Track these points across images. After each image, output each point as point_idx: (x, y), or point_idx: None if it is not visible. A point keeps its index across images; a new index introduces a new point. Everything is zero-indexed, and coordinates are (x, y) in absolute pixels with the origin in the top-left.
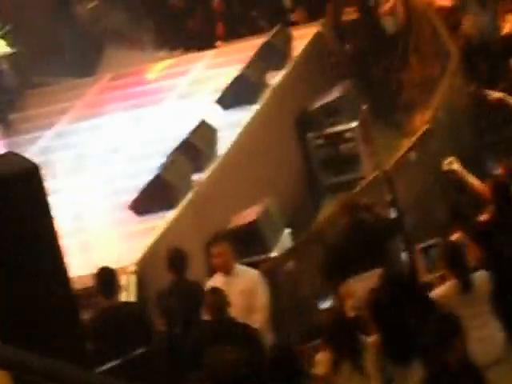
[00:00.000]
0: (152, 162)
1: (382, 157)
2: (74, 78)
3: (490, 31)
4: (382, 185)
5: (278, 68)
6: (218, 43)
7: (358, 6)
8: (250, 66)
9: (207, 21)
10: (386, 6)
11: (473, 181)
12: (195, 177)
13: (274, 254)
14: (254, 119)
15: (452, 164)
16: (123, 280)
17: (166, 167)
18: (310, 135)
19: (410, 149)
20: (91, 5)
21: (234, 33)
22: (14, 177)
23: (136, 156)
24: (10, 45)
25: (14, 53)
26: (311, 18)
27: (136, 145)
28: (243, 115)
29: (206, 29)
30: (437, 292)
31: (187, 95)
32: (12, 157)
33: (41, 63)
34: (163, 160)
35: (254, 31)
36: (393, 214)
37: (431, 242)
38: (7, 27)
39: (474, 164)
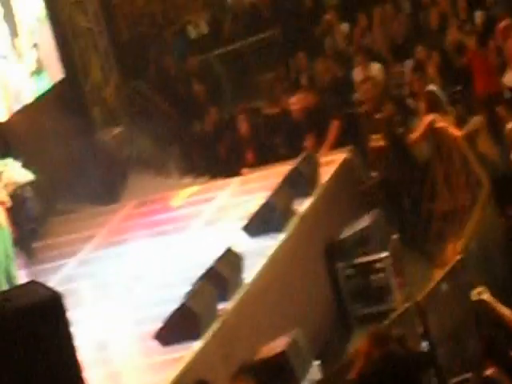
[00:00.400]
0: (177, 291)
1: (413, 288)
2: (97, 205)
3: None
4: (413, 316)
5: (305, 195)
6: (244, 170)
7: (386, 133)
8: (277, 193)
9: (235, 147)
10: (415, 134)
11: (505, 312)
12: (221, 306)
13: None
14: (281, 247)
15: (482, 294)
16: None
17: (191, 296)
18: (340, 265)
19: (442, 280)
20: (115, 131)
21: (263, 159)
22: (36, 306)
23: (161, 284)
24: (35, 171)
25: (38, 180)
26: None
27: (161, 273)
28: (270, 243)
29: (233, 155)
30: None
31: (213, 222)
32: (35, 286)
33: (64, 190)
34: (188, 288)
35: (282, 158)
36: (425, 347)
37: (465, 376)
38: (27, 155)
39: (507, 296)
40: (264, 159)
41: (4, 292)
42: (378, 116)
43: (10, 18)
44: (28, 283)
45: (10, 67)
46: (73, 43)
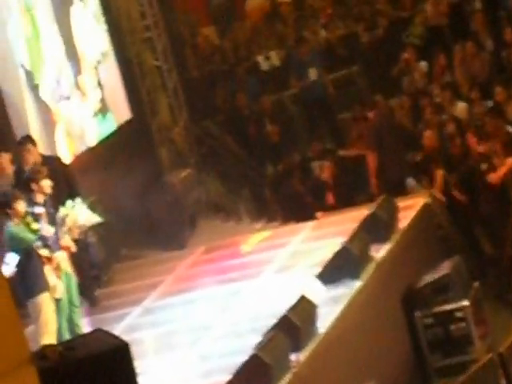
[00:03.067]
0: (247, 341)
1: (495, 338)
2: (164, 251)
3: None
4: (495, 368)
5: (382, 241)
6: (319, 214)
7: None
8: (353, 238)
9: (311, 190)
10: (498, 175)
11: None
12: (294, 357)
13: None
14: (356, 295)
15: None
16: None
17: (262, 346)
18: (418, 314)
19: None
20: (183, 174)
21: (343, 203)
22: (102, 356)
23: (230, 333)
24: (99, 214)
25: (102, 224)
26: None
27: (230, 321)
28: (345, 291)
29: (309, 198)
30: None
31: (285, 269)
32: (100, 334)
33: (129, 235)
34: (260, 338)
35: (364, 201)
36: None
37: None
38: (92, 198)
39: None
40: (343, 203)
41: (69, 341)
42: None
43: (73, 55)
44: (93, 331)
45: (74, 108)
46: (140, 81)
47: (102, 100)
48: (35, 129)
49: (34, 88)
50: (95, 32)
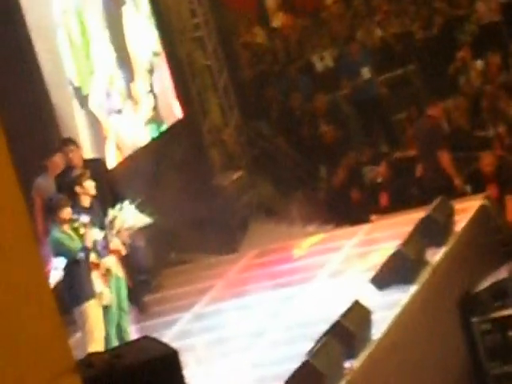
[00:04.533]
0: (300, 347)
1: None
2: (215, 255)
3: None
4: None
5: (438, 244)
6: (373, 217)
7: None
8: (409, 242)
9: (368, 191)
10: None
11: None
12: (347, 364)
13: None
14: (411, 301)
15: None
16: None
17: (315, 353)
18: (475, 320)
19: None
20: (235, 176)
21: (398, 205)
22: (149, 364)
23: (282, 340)
24: (148, 216)
25: (151, 227)
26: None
27: (283, 327)
28: (400, 296)
29: (365, 201)
30: None
31: (339, 273)
32: (148, 342)
33: (179, 239)
34: (312, 344)
35: (420, 204)
36: None
37: None
38: (140, 200)
39: None
40: (399, 205)
41: (115, 348)
42: None
43: (125, 61)
44: (141, 339)
45: (125, 121)
46: (191, 82)
47: (155, 108)
48: (86, 141)
49: (83, 99)
50: (147, 32)
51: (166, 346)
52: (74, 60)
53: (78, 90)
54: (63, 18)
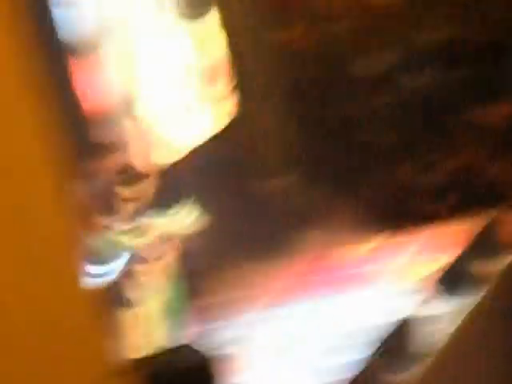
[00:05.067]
0: (346, 358)
1: None
2: (264, 261)
3: None
4: None
5: (498, 254)
6: (434, 222)
7: None
8: (468, 252)
9: (427, 197)
10: None
11: None
12: (396, 377)
13: None
14: (470, 313)
15: None
16: None
17: (362, 365)
18: None
19: None
20: (285, 181)
21: (458, 210)
22: (180, 373)
23: (328, 349)
24: (198, 221)
25: (201, 233)
26: None
27: (332, 336)
28: (454, 308)
29: (424, 206)
30: None
31: (392, 282)
32: (184, 350)
33: (231, 244)
34: (359, 356)
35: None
36: None
37: None
38: (191, 204)
39: None
40: (461, 210)
41: (149, 356)
42: None
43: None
44: (178, 347)
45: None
46: (246, 81)
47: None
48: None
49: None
50: None
51: (203, 354)
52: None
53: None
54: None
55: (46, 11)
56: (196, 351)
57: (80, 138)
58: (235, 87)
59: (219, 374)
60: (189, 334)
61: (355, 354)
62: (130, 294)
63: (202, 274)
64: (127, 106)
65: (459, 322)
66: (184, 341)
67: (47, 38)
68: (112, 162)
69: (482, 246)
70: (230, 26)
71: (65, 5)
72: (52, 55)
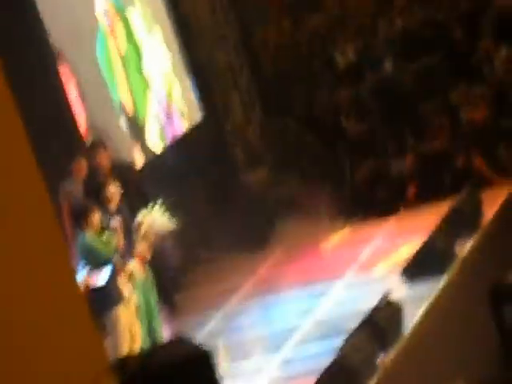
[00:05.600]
0: (331, 343)
1: None
2: (243, 253)
3: None
4: None
5: (467, 234)
6: (401, 209)
7: None
8: (437, 233)
9: (395, 185)
10: None
11: None
12: (379, 358)
13: None
14: (441, 292)
15: None
16: None
17: (347, 348)
18: (507, 309)
19: None
20: (260, 173)
21: (426, 196)
22: (183, 363)
23: (313, 336)
24: (175, 218)
25: (179, 227)
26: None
27: (313, 323)
28: (430, 288)
29: (392, 193)
30: None
31: (367, 267)
32: (180, 341)
33: (207, 238)
34: (344, 340)
35: (447, 195)
36: None
37: None
38: (168, 202)
39: None
40: (427, 196)
41: (148, 349)
42: None
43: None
44: (173, 339)
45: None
46: (212, 81)
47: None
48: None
49: (139, 132)
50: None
51: (198, 346)
52: (121, 73)
53: (132, 121)
54: (104, 20)
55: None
56: (191, 343)
57: (60, 140)
58: (202, 89)
59: (214, 365)
60: (170, 326)
61: (337, 339)
62: (113, 292)
63: (177, 270)
64: (135, 132)
65: (435, 300)
66: (165, 336)
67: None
68: (93, 160)
69: (452, 226)
70: (196, 27)
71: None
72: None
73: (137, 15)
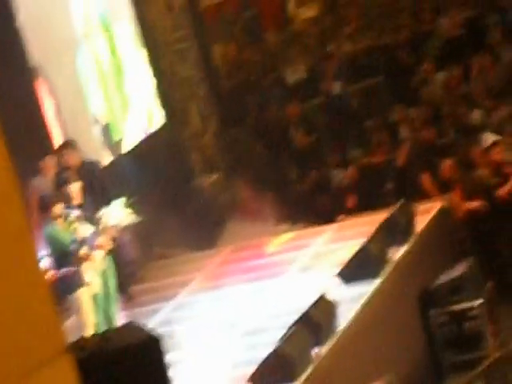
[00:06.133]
0: (272, 335)
1: (507, 336)
2: (195, 251)
3: None
4: (506, 365)
5: (400, 243)
6: (341, 217)
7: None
8: (373, 240)
9: (336, 195)
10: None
11: None
12: (315, 351)
13: None
14: (375, 294)
15: None
16: None
17: (285, 340)
18: (433, 312)
19: None
20: (213, 178)
21: (364, 206)
22: (135, 347)
23: (255, 329)
24: (134, 214)
25: (138, 224)
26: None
27: (255, 318)
28: (364, 290)
29: (333, 202)
30: None
31: (308, 268)
32: (134, 327)
33: (163, 235)
34: (283, 333)
35: (384, 206)
36: None
37: None
38: (132, 199)
39: None
40: (364, 207)
41: (103, 332)
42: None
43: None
44: (127, 324)
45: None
46: (172, 91)
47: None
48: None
49: (114, 146)
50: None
51: (150, 331)
52: (103, 89)
53: (106, 133)
54: (86, 32)
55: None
56: (143, 329)
57: (32, 138)
58: (162, 96)
59: (164, 350)
60: (125, 315)
61: (277, 332)
62: (76, 276)
63: (134, 264)
64: (110, 147)
65: (369, 301)
66: (121, 322)
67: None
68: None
69: (386, 234)
70: (157, 41)
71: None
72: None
73: (125, 31)
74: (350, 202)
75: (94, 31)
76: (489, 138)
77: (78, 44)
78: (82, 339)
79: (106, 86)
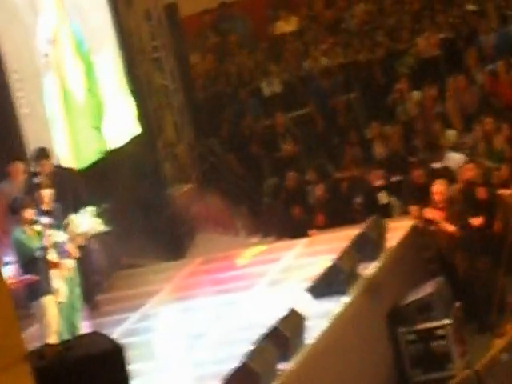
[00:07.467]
0: (238, 349)
1: (473, 356)
2: (164, 261)
3: None
4: None
5: (371, 259)
6: (312, 232)
7: None
8: (343, 256)
9: (307, 210)
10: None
11: None
12: (281, 366)
13: None
14: (344, 310)
15: None
16: None
17: (252, 355)
18: (401, 330)
19: (503, 350)
20: (185, 188)
21: (333, 223)
22: (97, 356)
23: (222, 342)
24: (103, 223)
25: (106, 232)
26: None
27: (223, 330)
28: (333, 305)
29: (304, 218)
30: None
31: (277, 282)
32: (97, 337)
33: (131, 245)
34: (250, 347)
35: (353, 222)
36: None
37: None
38: (103, 207)
39: None
40: (335, 222)
41: (66, 341)
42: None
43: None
44: (90, 334)
45: None
46: (148, 100)
47: None
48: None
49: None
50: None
51: (113, 341)
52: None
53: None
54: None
55: None
56: (106, 338)
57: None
58: (137, 104)
59: (126, 360)
60: (89, 324)
61: (244, 346)
62: (43, 283)
63: (101, 273)
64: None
65: (337, 317)
66: (86, 331)
67: None
68: (34, 167)
69: (357, 250)
70: (134, 48)
71: None
72: None
73: (106, 63)
74: (319, 219)
75: (67, 60)
76: (454, 157)
77: (45, 71)
78: (44, 347)
79: (75, 122)
